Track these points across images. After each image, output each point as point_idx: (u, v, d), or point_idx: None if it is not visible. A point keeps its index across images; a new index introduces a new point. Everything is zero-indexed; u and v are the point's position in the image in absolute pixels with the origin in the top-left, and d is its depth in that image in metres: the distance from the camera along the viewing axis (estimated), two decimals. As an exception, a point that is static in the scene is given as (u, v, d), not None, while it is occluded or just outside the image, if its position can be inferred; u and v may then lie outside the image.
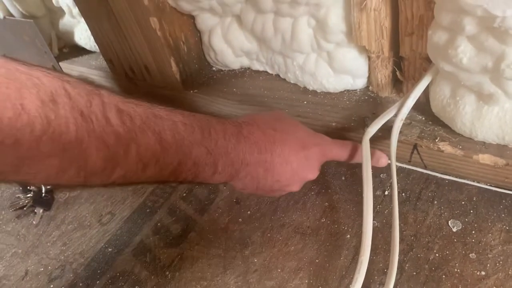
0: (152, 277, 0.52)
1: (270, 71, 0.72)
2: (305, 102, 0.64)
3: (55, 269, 0.56)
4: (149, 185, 0.52)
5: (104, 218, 0.61)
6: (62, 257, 0.57)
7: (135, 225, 0.59)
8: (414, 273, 0.45)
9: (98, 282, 0.53)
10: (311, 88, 0.66)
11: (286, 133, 0.48)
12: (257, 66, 0.73)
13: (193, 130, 0.41)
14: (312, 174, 0.51)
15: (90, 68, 0.88)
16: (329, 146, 0.52)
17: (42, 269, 0.56)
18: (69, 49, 0.96)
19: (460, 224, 0.49)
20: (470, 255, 0.46)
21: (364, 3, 0.51)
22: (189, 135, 0.41)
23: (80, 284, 0.53)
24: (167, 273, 0.52)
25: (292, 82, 0.68)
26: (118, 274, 0.53)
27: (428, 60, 0.53)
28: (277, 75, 0.71)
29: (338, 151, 0.53)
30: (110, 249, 0.57)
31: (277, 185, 0.49)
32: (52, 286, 0.54)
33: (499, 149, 0.49)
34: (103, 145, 0.34)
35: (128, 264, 0.54)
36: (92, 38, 0.80)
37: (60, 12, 0.92)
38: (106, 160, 0.35)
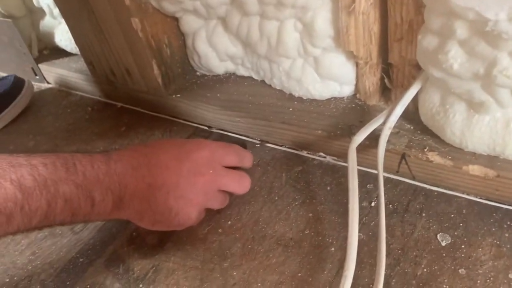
0: (124, 290, 0.49)
1: (255, 77, 0.70)
2: (291, 109, 0.62)
3: (22, 280, 0.52)
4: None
5: (76, 226, 0.58)
6: (30, 267, 0.54)
7: (109, 234, 0.56)
8: (401, 289, 0.43)
9: (66, 294, 0.50)
10: (297, 95, 0.64)
11: (160, 144, 0.49)
12: (242, 72, 0.71)
13: (55, 167, 0.40)
14: (205, 177, 0.48)
15: (70, 71, 0.85)
16: (222, 152, 0.51)
17: (8, 279, 0.53)
18: (50, 51, 0.93)
19: (449, 238, 0.47)
20: (460, 270, 0.43)
21: (352, 6, 0.49)
22: (51, 174, 0.40)
23: (47, 297, 0.50)
24: (141, 285, 0.49)
25: (277, 88, 0.66)
26: (88, 286, 0.50)
27: (417, 67, 0.51)
28: (263, 81, 0.69)
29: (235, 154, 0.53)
30: (81, 259, 0.53)
31: (172, 199, 0.46)
32: (17, 298, 0.51)
33: (490, 160, 0.48)
34: None
35: (99, 276, 0.51)
36: (73, 40, 0.78)
37: (40, 12, 0.89)
38: None
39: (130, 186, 0.44)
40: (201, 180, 0.48)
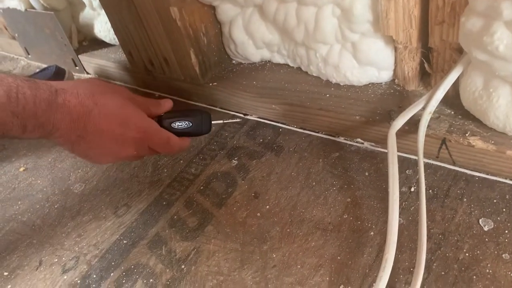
0: (167, 270, 0.50)
1: (291, 64, 0.70)
2: (328, 95, 0.62)
3: (69, 260, 0.55)
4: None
5: (120, 210, 0.60)
6: (77, 248, 0.56)
7: (151, 217, 0.58)
8: (443, 273, 0.43)
9: (112, 274, 0.52)
10: (334, 81, 0.64)
11: (106, 107, 0.49)
12: (278, 59, 0.71)
13: None
14: (125, 152, 0.52)
15: (109, 61, 0.87)
16: (151, 136, 0.52)
17: (56, 260, 0.55)
18: (89, 42, 0.96)
19: (492, 223, 0.46)
20: (503, 255, 0.43)
21: (393, -11, 0.48)
22: None
23: (94, 276, 0.52)
24: (183, 266, 0.50)
25: (314, 75, 0.66)
26: (132, 266, 0.52)
27: (458, 51, 0.51)
28: (299, 68, 0.69)
29: (159, 143, 0.53)
30: (125, 241, 0.55)
31: (91, 153, 0.51)
32: (65, 277, 0.53)
33: (535, 145, 0.47)
34: None
35: (143, 257, 0.53)
36: (111, 30, 0.80)
37: (80, 4, 0.92)
38: None
39: (61, 131, 0.47)
40: (124, 153, 0.52)
